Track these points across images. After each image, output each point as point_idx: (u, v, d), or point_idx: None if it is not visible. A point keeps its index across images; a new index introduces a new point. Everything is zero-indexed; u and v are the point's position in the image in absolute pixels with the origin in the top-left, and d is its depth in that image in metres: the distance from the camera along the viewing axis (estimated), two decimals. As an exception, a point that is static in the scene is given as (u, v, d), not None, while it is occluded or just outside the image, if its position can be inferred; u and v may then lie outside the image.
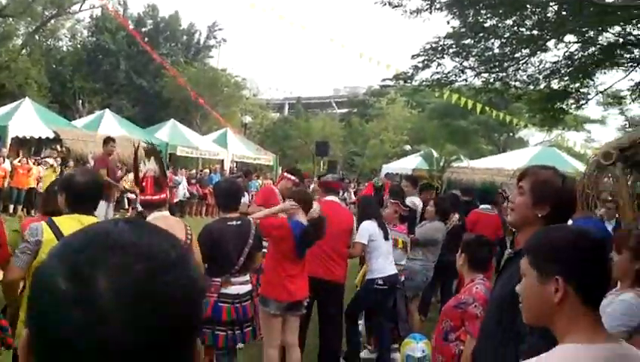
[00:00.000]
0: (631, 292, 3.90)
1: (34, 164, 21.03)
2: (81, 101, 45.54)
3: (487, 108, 19.33)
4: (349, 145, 53.32)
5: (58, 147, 24.81)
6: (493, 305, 3.09)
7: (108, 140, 12.19)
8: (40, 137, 24.73)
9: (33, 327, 0.97)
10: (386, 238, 7.50)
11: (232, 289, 5.49)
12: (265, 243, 6.25)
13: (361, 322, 8.07)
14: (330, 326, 7.07)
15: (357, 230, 7.40)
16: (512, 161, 24.92)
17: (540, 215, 2.95)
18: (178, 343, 0.98)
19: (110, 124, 28.47)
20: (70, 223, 3.91)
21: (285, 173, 8.54)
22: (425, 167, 29.49)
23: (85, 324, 0.90)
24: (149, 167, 5.14)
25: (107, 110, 31.75)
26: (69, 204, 4.18)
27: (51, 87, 43.64)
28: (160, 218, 4.97)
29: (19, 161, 20.74)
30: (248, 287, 5.66)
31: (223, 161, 32.83)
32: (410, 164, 32.33)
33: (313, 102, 79.39)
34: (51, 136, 24.53)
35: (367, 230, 7.34)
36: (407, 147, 46.65)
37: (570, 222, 5.48)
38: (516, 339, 2.62)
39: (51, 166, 20.92)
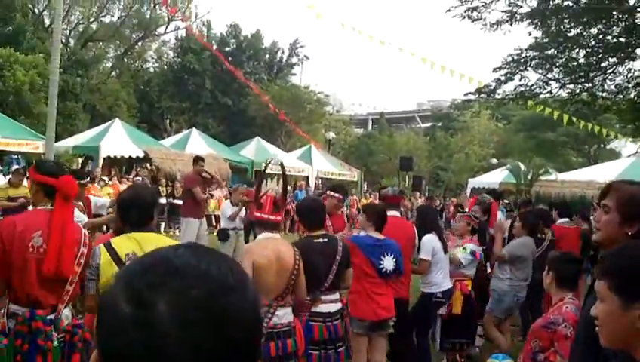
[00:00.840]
0: None
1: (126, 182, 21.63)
2: (168, 120, 46.82)
3: (574, 120, 18.82)
4: (434, 160, 52.86)
5: (148, 165, 25.49)
6: (581, 324, 2.99)
7: (197, 159, 12.50)
8: (130, 156, 25.52)
9: (101, 347, 1.03)
10: (445, 252, 7.47)
11: (323, 308, 5.43)
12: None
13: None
14: (401, 345, 7.01)
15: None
16: (604, 173, 24.23)
17: (629, 233, 2.84)
18: None
19: (197, 142, 29.10)
20: (127, 243, 3.95)
21: (328, 192, 8.62)
22: (512, 181, 28.96)
23: (146, 346, 0.96)
24: (270, 186, 5.20)
25: (194, 129, 32.46)
26: (122, 222, 4.21)
27: (140, 107, 44.97)
28: (270, 239, 5.05)
29: (110, 180, 21.44)
30: (338, 306, 5.58)
31: (307, 177, 33.04)
32: (496, 178, 31.77)
33: (396, 117, 79.37)
34: (141, 155, 25.26)
35: (431, 244, 7.29)
36: (494, 161, 45.95)
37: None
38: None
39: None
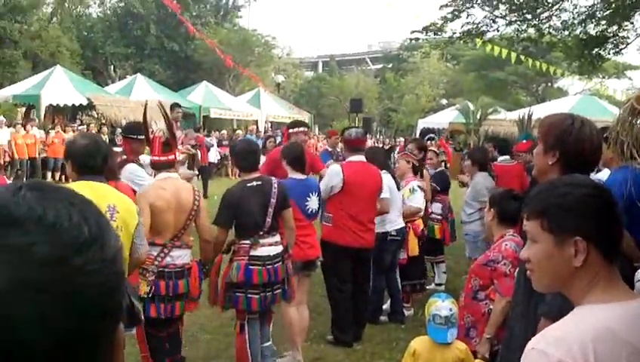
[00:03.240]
0: None
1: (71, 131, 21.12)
2: (112, 67, 45.64)
3: (523, 58, 18.84)
4: (385, 102, 53.09)
5: (94, 113, 24.93)
6: (522, 264, 2.90)
7: (174, 106, 11.91)
8: (74, 104, 24.83)
9: None
10: (398, 189, 7.44)
11: (262, 251, 5.31)
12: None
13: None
14: (362, 291, 6.92)
15: None
16: (551, 110, 23.95)
17: (550, 163, 2.85)
18: (94, 338, 0.81)
19: (143, 88, 28.50)
20: (80, 189, 3.74)
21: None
22: (462, 121, 29.11)
23: None
24: (158, 127, 5.10)
25: (139, 74, 31.75)
26: (75, 171, 4.06)
27: (83, 53, 43.67)
28: (168, 179, 5.00)
29: (55, 131, 21.02)
30: (279, 249, 5.45)
31: (257, 121, 32.76)
32: (446, 118, 32.00)
33: (347, 59, 79.10)
34: (85, 102, 24.61)
35: (387, 183, 7.09)
36: (444, 101, 46.29)
37: (605, 172, 5.19)
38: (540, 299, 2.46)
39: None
